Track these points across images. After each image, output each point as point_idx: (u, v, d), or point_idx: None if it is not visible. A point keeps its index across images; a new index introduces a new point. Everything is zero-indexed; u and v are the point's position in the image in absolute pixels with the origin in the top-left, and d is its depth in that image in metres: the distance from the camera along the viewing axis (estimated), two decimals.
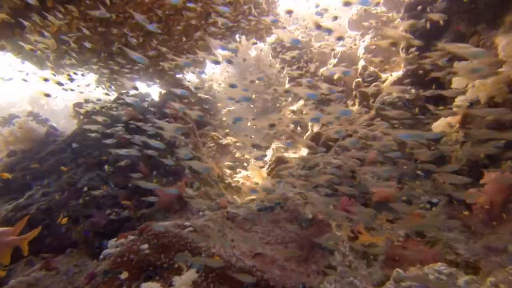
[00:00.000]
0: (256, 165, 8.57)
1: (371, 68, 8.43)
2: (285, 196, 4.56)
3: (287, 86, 14.72)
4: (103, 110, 8.38)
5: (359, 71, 9.12)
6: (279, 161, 8.39)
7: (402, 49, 6.59)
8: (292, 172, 6.30)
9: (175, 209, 5.84)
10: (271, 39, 16.67)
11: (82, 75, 12.78)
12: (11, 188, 6.51)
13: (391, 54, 8.41)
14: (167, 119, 7.03)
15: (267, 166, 9.08)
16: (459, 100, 4.43)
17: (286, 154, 9.85)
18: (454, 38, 5.12)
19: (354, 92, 9.48)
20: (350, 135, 7.30)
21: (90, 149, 6.85)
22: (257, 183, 9.18)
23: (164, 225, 3.54)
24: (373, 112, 7.85)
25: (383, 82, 7.74)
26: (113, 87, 12.70)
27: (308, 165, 6.01)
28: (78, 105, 8.97)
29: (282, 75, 15.52)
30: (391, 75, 7.62)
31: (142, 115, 7.26)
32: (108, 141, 6.43)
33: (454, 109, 4.66)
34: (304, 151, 10.05)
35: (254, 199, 4.65)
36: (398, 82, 6.85)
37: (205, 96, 14.79)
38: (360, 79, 8.96)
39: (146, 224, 3.62)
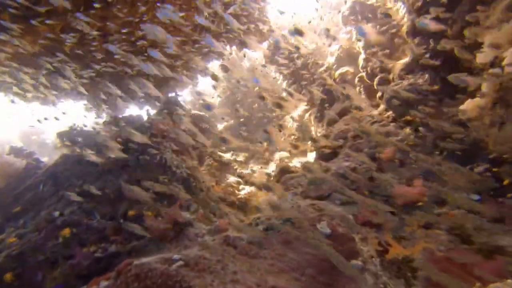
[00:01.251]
0: (261, 179, 7.90)
1: (375, 60, 7.86)
2: (295, 209, 3.86)
3: (284, 93, 14.20)
4: (87, 135, 7.82)
5: (361, 65, 8.56)
6: (284, 171, 7.71)
7: (407, 32, 6.03)
8: (300, 181, 5.61)
9: (170, 237, 5.12)
10: (263, 46, 16.35)
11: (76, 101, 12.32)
12: None
13: (395, 44, 7.86)
14: (154, 138, 6.42)
15: (272, 178, 8.39)
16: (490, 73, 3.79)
17: (291, 164, 9.17)
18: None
19: (357, 89, 8.89)
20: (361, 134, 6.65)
21: (72, 179, 6.22)
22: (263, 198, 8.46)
23: (147, 261, 2.85)
24: (382, 106, 7.22)
25: (390, 72, 7.15)
26: (104, 112, 12.23)
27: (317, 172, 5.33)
28: (62, 133, 8.40)
29: (278, 82, 15.03)
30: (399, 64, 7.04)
31: (128, 135, 6.65)
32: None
33: (484, 90, 4.01)
34: (310, 157, 9.37)
35: (259, 218, 3.96)
36: (406, 69, 6.25)
37: (200, 113, 14.29)
38: (363, 74, 8.38)
39: (126, 262, 2.94)
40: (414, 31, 5.81)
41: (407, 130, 5.85)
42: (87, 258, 4.79)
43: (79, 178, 6.15)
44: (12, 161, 6.98)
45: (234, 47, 13.56)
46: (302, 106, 12.24)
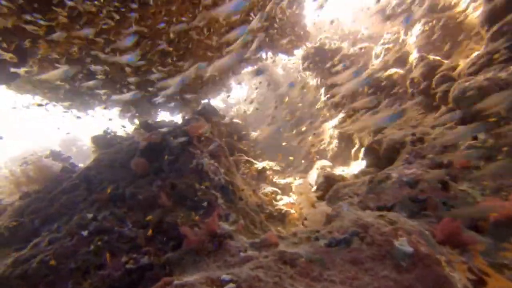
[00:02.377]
0: (302, 188, 7.25)
1: (431, 57, 7.05)
2: (362, 222, 3.20)
3: (323, 99, 13.55)
4: (120, 139, 7.63)
5: (414, 64, 7.76)
6: (330, 181, 7.01)
7: (482, 21, 5.23)
8: (355, 190, 4.91)
9: (207, 250, 4.60)
10: (299, 52, 15.90)
11: (105, 108, 12.51)
12: (18, 236, 5.66)
13: (456, 39, 7.02)
14: (187, 138, 6.01)
15: (314, 189, 7.70)
16: None
17: (335, 173, 8.43)
18: None
19: (410, 91, 8.06)
20: (421, 139, 5.84)
21: (104, 183, 5.95)
22: (303, 209, 7.77)
23: (190, 282, 2.32)
24: (444, 108, 6.37)
25: (453, 69, 6.31)
26: (136, 119, 12.25)
27: (377, 179, 4.60)
28: (96, 138, 8.31)
29: (316, 89, 14.41)
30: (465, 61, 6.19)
31: (162, 139, 6.32)
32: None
33: None
34: (357, 167, 8.57)
35: (318, 231, 3.34)
36: (480, 62, 5.41)
37: (235, 121, 13.96)
38: (417, 75, 7.57)
39: (165, 281, 2.44)
40: (491, 17, 5.01)
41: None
42: (118, 269, 4.38)
43: (112, 182, 5.86)
44: (50, 164, 6.90)
45: (269, 53, 13.25)
46: (343, 113, 11.49)
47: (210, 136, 6.69)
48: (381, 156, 6.10)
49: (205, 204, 5.36)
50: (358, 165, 8.62)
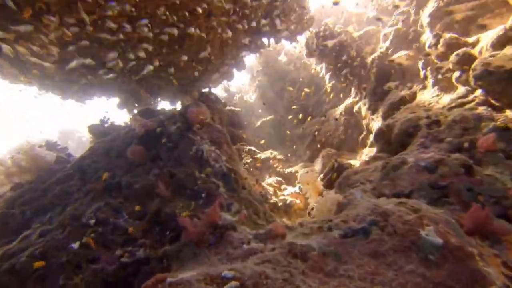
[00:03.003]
0: (308, 177, 6.89)
1: (446, 35, 6.58)
2: (382, 209, 2.83)
3: (328, 84, 13.09)
4: (117, 128, 7.29)
5: (428, 44, 7.29)
6: (338, 168, 6.65)
7: None
8: (367, 176, 4.54)
9: (208, 242, 4.27)
10: (302, 38, 15.37)
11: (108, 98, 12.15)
12: (8, 228, 5.37)
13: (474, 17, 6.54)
14: (186, 124, 5.64)
15: (321, 177, 7.34)
16: None
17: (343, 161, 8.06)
18: None
19: (422, 72, 7.62)
20: (437, 122, 5.44)
21: (100, 172, 5.62)
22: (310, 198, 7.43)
23: (186, 278, 1.98)
24: (461, 89, 5.94)
25: (473, 46, 5.86)
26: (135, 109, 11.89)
27: (391, 164, 4.22)
28: (92, 127, 7.97)
29: (320, 75, 13.94)
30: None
31: (160, 125, 5.96)
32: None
33: None
34: (366, 154, 8.19)
35: (331, 220, 2.99)
36: (505, 37, 4.96)
37: (237, 109, 13.56)
38: (432, 55, 7.11)
39: (157, 278, 2.10)
40: None
41: (509, 112, 4.58)
42: (112, 263, 4.07)
43: (107, 171, 5.53)
44: (43, 153, 6.58)
45: (272, 40, 12.76)
46: (350, 99, 11.05)
47: (211, 122, 6.32)
48: (393, 141, 5.70)
49: (205, 193, 5.02)
50: (367, 152, 8.23)
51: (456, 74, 6.10)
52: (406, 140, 5.64)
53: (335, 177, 7.11)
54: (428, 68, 7.33)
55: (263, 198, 7.53)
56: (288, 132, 12.41)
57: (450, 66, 6.28)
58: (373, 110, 8.72)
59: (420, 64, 7.75)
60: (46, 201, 5.50)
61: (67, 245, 4.42)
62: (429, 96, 6.98)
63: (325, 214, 5.50)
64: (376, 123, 8.29)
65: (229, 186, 5.31)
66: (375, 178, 4.31)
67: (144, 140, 5.78)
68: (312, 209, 7.16)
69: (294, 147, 11.99)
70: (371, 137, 8.89)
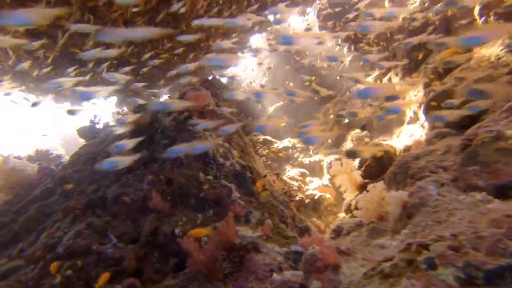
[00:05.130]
0: (341, 166, 5.60)
1: None
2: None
3: (347, 58, 11.61)
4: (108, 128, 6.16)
5: None
6: (388, 156, 5.37)
7: None
8: (439, 162, 3.21)
9: (222, 272, 3.09)
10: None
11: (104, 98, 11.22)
12: None
13: None
14: (188, 115, 4.42)
15: (357, 165, 6.01)
16: None
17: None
18: None
19: (480, 21, 6.12)
20: None
21: (83, 184, 4.50)
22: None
23: None
24: None
25: None
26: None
27: (479, 140, 2.88)
28: (82, 129, 6.88)
29: (337, 48, 12.45)
30: None
31: (154, 119, 4.78)
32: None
33: None
34: (406, 134, 6.80)
35: (413, 251, 1.69)
36: None
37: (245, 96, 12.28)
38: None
39: None
40: None
41: None
42: None
43: (92, 182, 4.41)
44: (19, 167, 5.53)
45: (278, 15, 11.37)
46: (375, 71, 9.58)
47: (215, 109, 5.09)
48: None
49: (214, 201, 3.82)
50: (407, 130, 6.83)
51: None
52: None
53: (375, 164, 5.80)
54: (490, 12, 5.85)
55: (286, 196, 6.30)
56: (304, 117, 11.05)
57: None
58: (408, 80, 7.26)
59: (477, 7, 6.26)
60: (17, 227, 4.44)
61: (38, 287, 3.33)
62: (497, 50, 5.48)
63: (375, 215, 4.22)
64: (415, 94, 6.85)
65: (245, 189, 4.10)
66: (452, 164, 3.00)
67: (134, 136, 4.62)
68: (350, 206, 5.88)
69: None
70: (408, 112, 7.47)
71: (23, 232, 4.37)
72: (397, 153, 5.85)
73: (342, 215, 7.16)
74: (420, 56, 7.17)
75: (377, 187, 4.23)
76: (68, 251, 3.58)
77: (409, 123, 7.22)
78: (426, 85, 6.50)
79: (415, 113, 6.66)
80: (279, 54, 14.59)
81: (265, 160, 8.62)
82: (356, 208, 4.40)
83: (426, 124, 5.50)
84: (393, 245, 2.42)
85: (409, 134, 6.73)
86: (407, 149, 5.45)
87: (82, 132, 6.88)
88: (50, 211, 4.52)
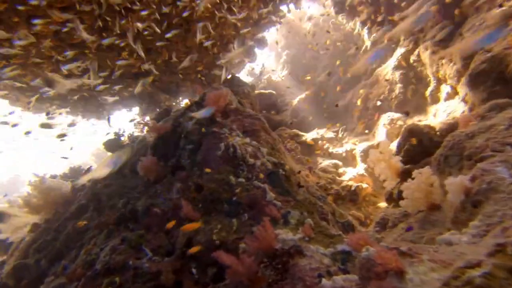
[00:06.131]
0: (379, 153, 5.16)
1: None
2: None
3: (366, 41, 10.98)
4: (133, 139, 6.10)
5: None
6: (417, 135, 4.89)
7: None
8: (502, 139, 2.76)
9: (265, 280, 2.84)
10: None
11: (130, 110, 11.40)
12: (22, 285, 4.38)
13: None
14: (207, 112, 4.17)
15: (394, 151, 5.56)
16: None
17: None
18: None
19: None
20: None
21: (114, 198, 4.42)
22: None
23: None
24: None
25: None
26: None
27: None
28: (108, 143, 6.89)
29: (356, 31, 11.84)
30: None
31: (176, 124, 4.61)
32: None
33: None
34: (443, 112, 6.23)
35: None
36: None
37: (267, 91, 11.97)
38: None
39: None
40: None
41: None
42: None
43: (122, 195, 4.31)
44: (55, 185, 5.58)
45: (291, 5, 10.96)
46: (400, 49, 8.94)
47: (238, 107, 4.84)
48: (510, 79, 3.80)
49: (249, 204, 3.58)
50: (444, 108, 6.26)
51: None
52: None
53: (415, 147, 5.32)
54: None
55: (323, 190, 5.95)
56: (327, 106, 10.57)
57: None
58: (441, 53, 6.64)
59: None
60: (59, 244, 4.43)
61: None
62: None
63: (424, 203, 3.81)
64: (451, 67, 6.25)
65: (279, 188, 3.82)
66: None
67: (158, 148, 4.48)
68: (391, 194, 5.45)
69: (337, 125, 10.16)
70: (444, 88, 6.86)
71: (64, 249, 4.36)
72: (438, 133, 5.32)
73: (382, 204, 6.72)
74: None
75: (424, 173, 3.81)
76: (105, 268, 3.48)
77: (446, 99, 6.63)
78: (465, 57, 5.89)
79: (453, 87, 6.08)
80: (295, 46, 14.15)
81: (294, 154, 8.28)
82: (400, 197, 3.99)
83: (470, 98, 4.94)
84: (463, 241, 2.04)
85: (447, 111, 6.17)
86: (451, 127, 4.93)
87: (108, 146, 6.89)
88: (86, 227, 4.48)
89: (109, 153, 7.21)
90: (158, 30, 5.64)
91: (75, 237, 4.49)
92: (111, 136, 6.90)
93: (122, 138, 6.92)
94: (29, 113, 8.67)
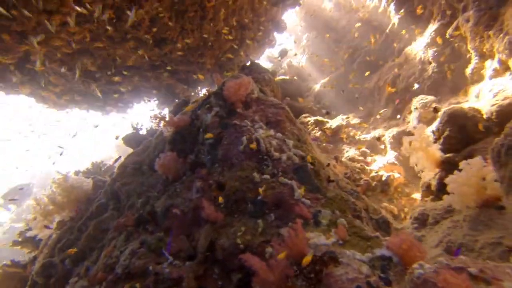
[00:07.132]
0: (415, 140, 4.64)
1: None
2: None
3: (393, 18, 10.14)
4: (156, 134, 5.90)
5: None
6: (460, 120, 4.34)
7: None
8: None
9: None
10: None
11: (149, 101, 11.32)
12: (51, 285, 4.33)
13: None
14: (231, 107, 3.82)
15: (432, 139, 5.01)
16: None
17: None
18: None
19: None
20: None
21: (132, 197, 4.23)
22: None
23: None
24: None
25: None
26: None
27: None
28: (127, 138, 6.74)
29: (380, 9, 11.00)
30: None
31: (194, 117, 4.30)
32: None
33: None
34: (488, 91, 5.55)
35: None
36: None
37: (289, 77, 11.47)
38: None
39: None
40: None
41: None
42: None
43: (140, 194, 4.10)
44: (77, 183, 5.50)
45: None
46: (435, 24, 8.13)
47: (260, 96, 4.46)
48: None
49: (275, 203, 3.25)
50: (492, 88, 5.57)
51: None
52: None
53: (456, 134, 4.77)
54: None
55: (351, 181, 5.53)
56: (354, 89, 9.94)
57: None
58: (487, 23, 5.89)
59: None
60: (81, 245, 4.32)
61: None
62: None
63: (474, 199, 3.33)
64: (502, 37, 5.51)
65: (308, 185, 3.46)
66: None
67: (176, 143, 4.20)
68: (429, 186, 4.94)
69: (361, 108, 9.54)
70: (489, 64, 6.13)
71: (86, 250, 4.25)
72: (486, 117, 4.72)
73: (416, 195, 6.21)
74: None
75: (474, 165, 3.32)
76: (125, 272, 3.30)
77: (492, 76, 5.92)
78: None
79: (503, 62, 5.36)
80: (314, 27, 13.40)
81: (319, 143, 7.85)
82: (440, 190, 3.53)
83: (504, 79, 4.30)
84: None
85: (494, 91, 5.47)
86: (504, 109, 4.31)
87: (127, 141, 6.75)
88: (106, 227, 4.34)
89: (127, 147, 7.09)
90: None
91: (95, 237, 4.36)
92: (130, 130, 6.74)
93: (141, 132, 6.74)
94: (53, 109, 8.71)
